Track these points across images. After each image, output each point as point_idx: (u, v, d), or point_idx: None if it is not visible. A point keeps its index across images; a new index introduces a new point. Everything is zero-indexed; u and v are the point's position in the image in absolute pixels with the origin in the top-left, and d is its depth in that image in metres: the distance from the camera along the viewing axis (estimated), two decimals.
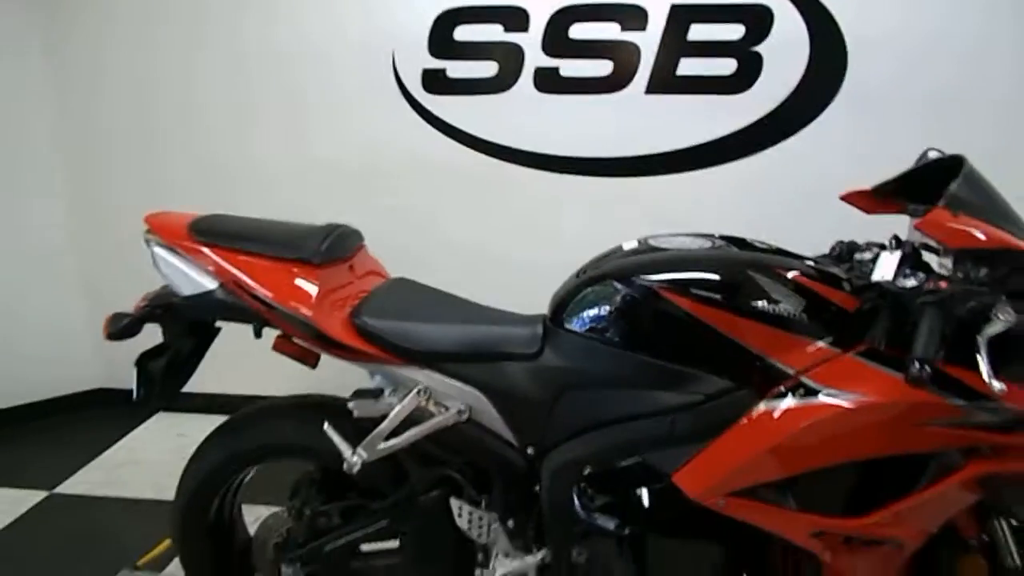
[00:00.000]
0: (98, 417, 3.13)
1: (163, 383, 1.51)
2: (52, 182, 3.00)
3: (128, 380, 3.26)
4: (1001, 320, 1.11)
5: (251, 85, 2.78)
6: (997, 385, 1.06)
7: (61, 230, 3.06)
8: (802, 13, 2.47)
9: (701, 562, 1.35)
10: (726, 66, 2.56)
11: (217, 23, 2.74)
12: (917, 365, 1.06)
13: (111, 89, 2.87)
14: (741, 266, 1.29)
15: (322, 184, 2.78)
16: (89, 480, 2.64)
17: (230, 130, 2.84)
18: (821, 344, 1.24)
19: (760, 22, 2.50)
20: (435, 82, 2.69)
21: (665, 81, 2.59)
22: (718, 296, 1.25)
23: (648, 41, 2.56)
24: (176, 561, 2.11)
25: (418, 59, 2.67)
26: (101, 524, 2.35)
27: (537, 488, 1.38)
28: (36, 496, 2.51)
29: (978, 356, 1.09)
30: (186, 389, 3.08)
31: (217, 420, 3.02)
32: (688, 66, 2.58)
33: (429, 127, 2.73)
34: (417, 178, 2.75)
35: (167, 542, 2.17)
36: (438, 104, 2.71)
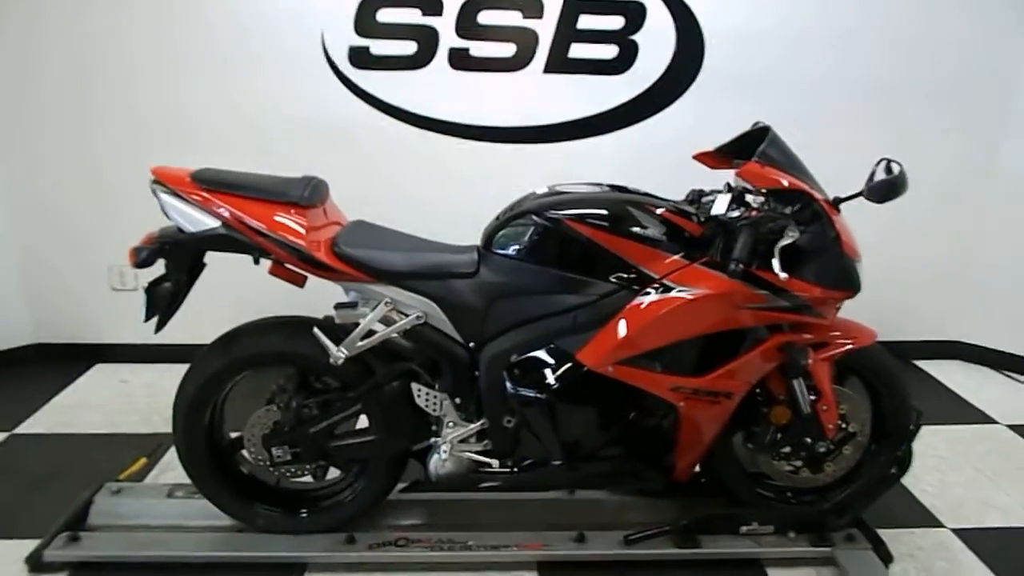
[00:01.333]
0: (38, 370, 3.26)
1: (167, 305, 1.82)
2: None
3: (59, 335, 3.45)
4: (790, 236, 1.67)
5: (193, 57, 2.99)
6: (783, 276, 1.61)
7: None
8: (669, 10, 2.98)
9: (598, 415, 1.87)
10: (609, 51, 3.04)
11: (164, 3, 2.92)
12: (734, 264, 1.60)
13: (44, 58, 2.97)
14: (623, 203, 1.79)
15: (258, 144, 3.02)
16: (46, 421, 2.82)
17: (168, 94, 3.03)
18: (676, 257, 1.75)
19: (636, 16, 2.99)
20: (360, 58, 3.01)
21: (559, 62, 3.03)
22: (606, 224, 1.75)
23: (545, 28, 2.99)
24: (153, 473, 2.44)
25: (345, 37, 2.97)
26: (68, 455, 2.54)
27: (477, 373, 1.84)
28: None
29: (773, 260, 1.65)
30: (123, 341, 3.34)
31: (155, 367, 3.30)
32: (578, 50, 3.03)
33: (354, 97, 3.05)
34: (343, 141, 3.07)
35: (143, 460, 2.46)
36: (363, 77, 3.03)
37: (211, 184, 1.75)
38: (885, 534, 2.05)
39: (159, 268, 1.82)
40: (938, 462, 2.61)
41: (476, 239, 1.90)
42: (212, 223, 1.74)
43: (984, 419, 2.97)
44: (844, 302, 1.85)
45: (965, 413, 3.03)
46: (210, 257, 1.88)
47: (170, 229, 1.80)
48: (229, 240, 1.74)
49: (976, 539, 2.16)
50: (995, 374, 3.41)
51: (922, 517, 2.28)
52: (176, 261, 1.80)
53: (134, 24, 2.95)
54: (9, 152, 3.09)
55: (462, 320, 1.82)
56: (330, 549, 1.96)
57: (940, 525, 2.24)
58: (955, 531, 2.21)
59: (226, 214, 1.72)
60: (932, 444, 2.71)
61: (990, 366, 3.46)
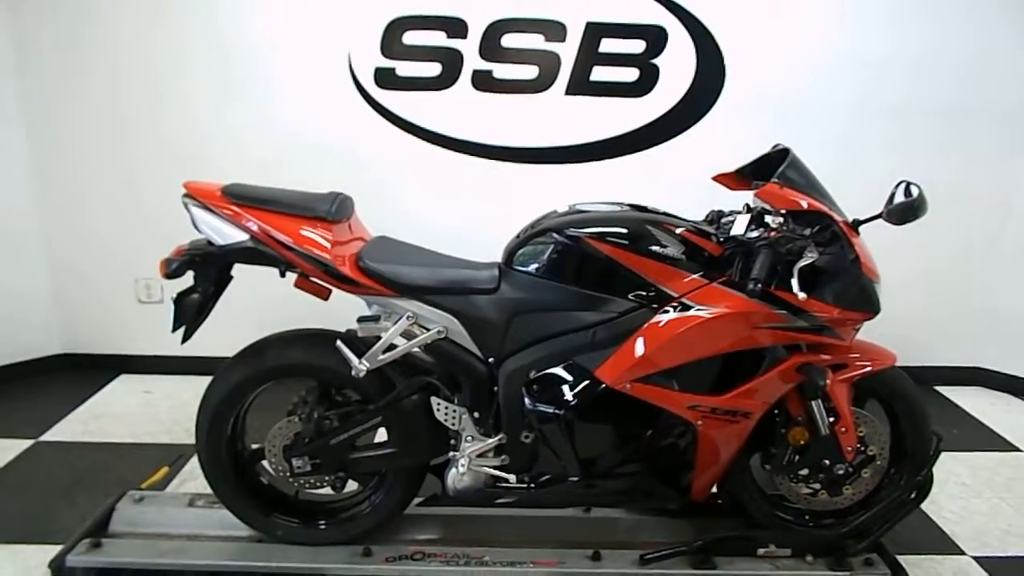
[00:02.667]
0: (64, 379, 3.33)
1: (195, 316, 1.86)
2: (17, 154, 3.13)
3: (85, 345, 3.51)
4: (809, 257, 1.68)
5: (226, 77, 3.08)
6: (801, 295, 1.62)
7: (25, 203, 3.19)
8: (690, 34, 3.04)
9: (616, 433, 1.88)
10: (630, 74, 3.09)
11: (196, 21, 3.03)
12: (753, 283, 1.61)
13: (81, 69, 3.06)
14: (643, 222, 1.81)
15: (286, 160, 3.10)
16: (70, 430, 2.88)
17: (199, 112, 3.11)
18: (695, 276, 1.77)
19: (657, 39, 3.04)
20: (386, 79, 3.08)
21: (581, 85, 3.09)
22: (626, 242, 1.77)
23: (567, 51, 3.05)
24: (174, 483, 2.48)
25: (371, 59, 3.05)
26: (91, 464, 2.59)
27: (496, 388, 1.85)
28: (23, 444, 2.72)
29: (792, 280, 1.66)
30: (148, 353, 3.39)
31: (178, 379, 3.35)
32: (600, 73, 3.08)
33: (380, 117, 3.12)
34: (369, 159, 3.14)
35: (165, 469, 2.49)
36: (388, 98, 3.10)
37: (241, 199, 1.79)
38: (905, 560, 2.02)
39: (187, 280, 1.87)
40: (960, 489, 2.58)
41: (497, 257, 1.93)
42: (241, 236, 1.78)
43: (1007, 447, 2.93)
44: (864, 324, 1.85)
45: (988, 440, 2.99)
46: (236, 271, 1.92)
47: (200, 242, 1.85)
48: (257, 253, 1.79)
49: (998, 567, 2.13)
50: (1018, 401, 3.37)
51: (943, 544, 2.25)
52: (205, 273, 1.85)
53: (166, 44, 3.05)
54: (42, 166, 3.18)
55: (482, 335, 1.84)
56: (347, 561, 1.97)
57: (961, 552, 2.21)
58: (976, 559, 2.18)
59: (255, 228, 1.76)
60: (954, 471, 2.68)
61: (1013, 393, 3.42)
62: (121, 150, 3.16)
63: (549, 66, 3.07)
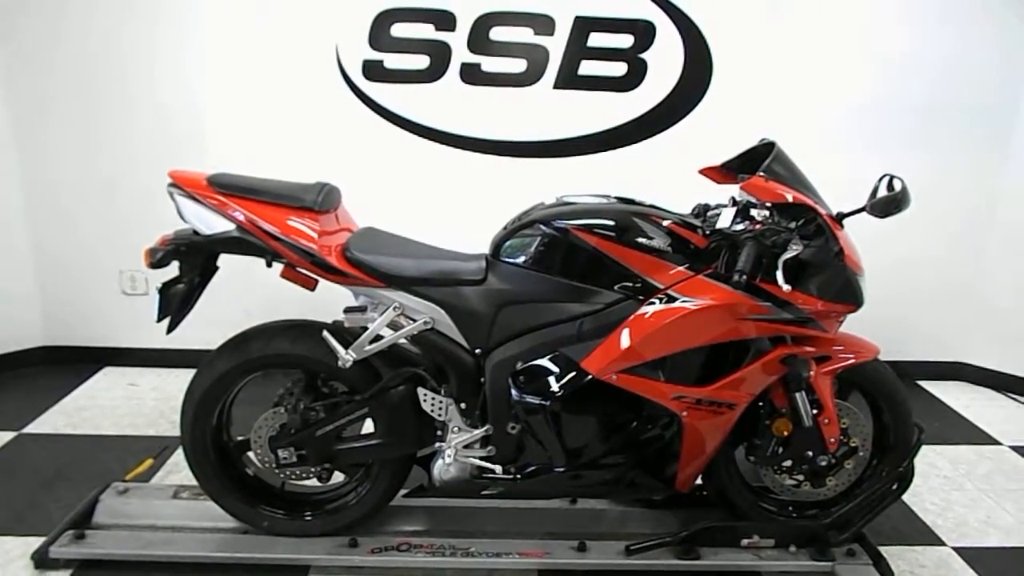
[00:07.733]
0: (47, 371, 3.30)
1: (180, 306, 1.85)
2: (2, 150, 3.10)
3: (69, 337, 3.48)
4: (793, 249, 1.70)
5: (211, 68, 3.05)
6: (786, 287, 1.64)
7: (8, 194, 3.16)
8: (678, 28, 3.04)
9: (601, 423, 1.89)
10: (618, 69, 3.09)
11: (182, 13, 3.01)
12: (738, 275, 1.63)
13: (63, 63, 3.02)
14: (629, 214, 1.82)
15: (273, 152, 3.08)
16: (53, 422, 2.85)
17: (183, 102, 3.08)
18: (681, 268, 1.78)
19: (645, 34, 3.04)
20: (374, 71, 3.07)
21: (569, 79, 3.08)
22: (613, 234, 1.78)
23: (555, 45, 3.04)
24: (159, 475, 2.47)
25: (359, 51, 3.04)
26: (75, 455, 2.57)
27: (482, 379, 1.86)
28: (5, 436, 2.69)
29: (777, 272, 1.67)
30: (132, 345, 3.37)
31: (163, 372, 3.33)
32: (588, 67, 3.08)
33: (367, 109, 3.11)
34: (356, 151, 3.12)
35: (150, 461, 2.48)
36: (376, 90, 3.09)
37: (227, 188, 1.79)
38: (887, 551, 2.05)
39: (172, 270, 1.86)
40: (941, 482, 2.61)
41: (484, 248, 1.93)
42: (227, 226, 1.78)
43: (988, 440, 2.97)
44: (847, 317, 1.87)
45: (969, 434, 3.02)
46: (221, 261, 1.91)
47: (185, 231, 1.84)
48: (243, 243, 1.78)
49: (977, 558, 2.16)
50: (999, 396, 3.41)
51: (924, 535, 2.28)
52: (190, 262, 1.84)
53: (151, 33, 3.01)
54: (24, 156, 3.14)
55: (469, 326, 1.84)
56: (333, 552, 1.97)
57: (942, 543, 2.24)
58: (957, 549, 2.20)
59: (241, 217, 1.76)
60: (935, 464, 2.71)
61: (994, 388, 3.46)
62: (105, 141, 3.12)
63: (537, 60, 3.07)
